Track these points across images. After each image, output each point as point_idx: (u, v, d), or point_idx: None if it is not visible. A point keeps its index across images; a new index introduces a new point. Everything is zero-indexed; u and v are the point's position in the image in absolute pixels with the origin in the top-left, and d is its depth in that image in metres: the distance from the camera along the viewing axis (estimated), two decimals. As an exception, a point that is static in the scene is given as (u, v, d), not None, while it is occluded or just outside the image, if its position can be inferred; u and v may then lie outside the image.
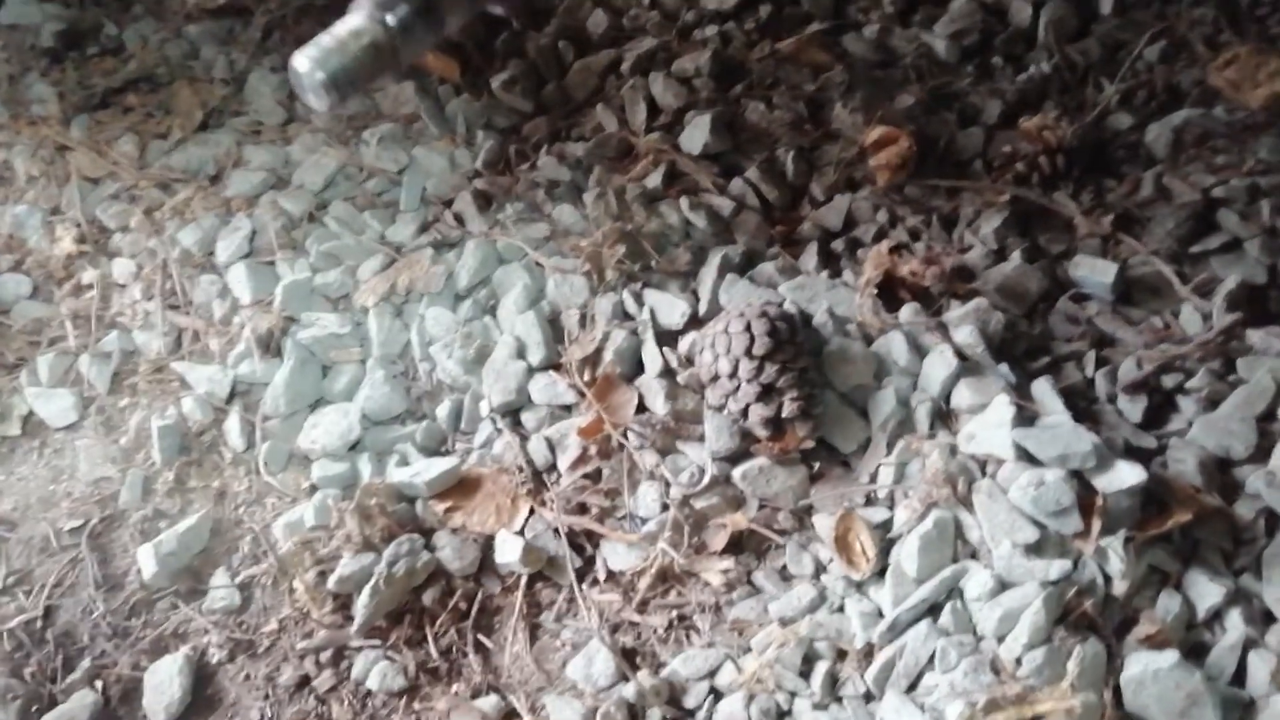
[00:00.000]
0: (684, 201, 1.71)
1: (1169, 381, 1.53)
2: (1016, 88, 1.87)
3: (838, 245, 1.69)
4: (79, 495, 1.60)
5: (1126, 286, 1.64)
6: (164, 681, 1.44)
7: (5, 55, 2.09)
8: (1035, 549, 1.34)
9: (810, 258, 1.67)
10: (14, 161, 1.92)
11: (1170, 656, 1.26)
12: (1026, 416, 1.43)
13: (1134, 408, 1.51)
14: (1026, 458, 1.37)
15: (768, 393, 1.44)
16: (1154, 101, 1.86)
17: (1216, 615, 1.34)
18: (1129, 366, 1.54)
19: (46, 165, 1.92)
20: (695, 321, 1.57)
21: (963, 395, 1.46)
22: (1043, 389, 1.47)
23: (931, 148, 1.79)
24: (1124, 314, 1.62)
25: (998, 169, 1.77)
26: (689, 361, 1.54)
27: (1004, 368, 1.49)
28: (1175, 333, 1.59)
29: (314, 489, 1.58)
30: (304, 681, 1.45)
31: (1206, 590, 1.35)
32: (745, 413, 1.46)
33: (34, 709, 1.41)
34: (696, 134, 1.78)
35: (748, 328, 1.44)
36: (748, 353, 1.44)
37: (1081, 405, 1.50)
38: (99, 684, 1.45)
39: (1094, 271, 1.64)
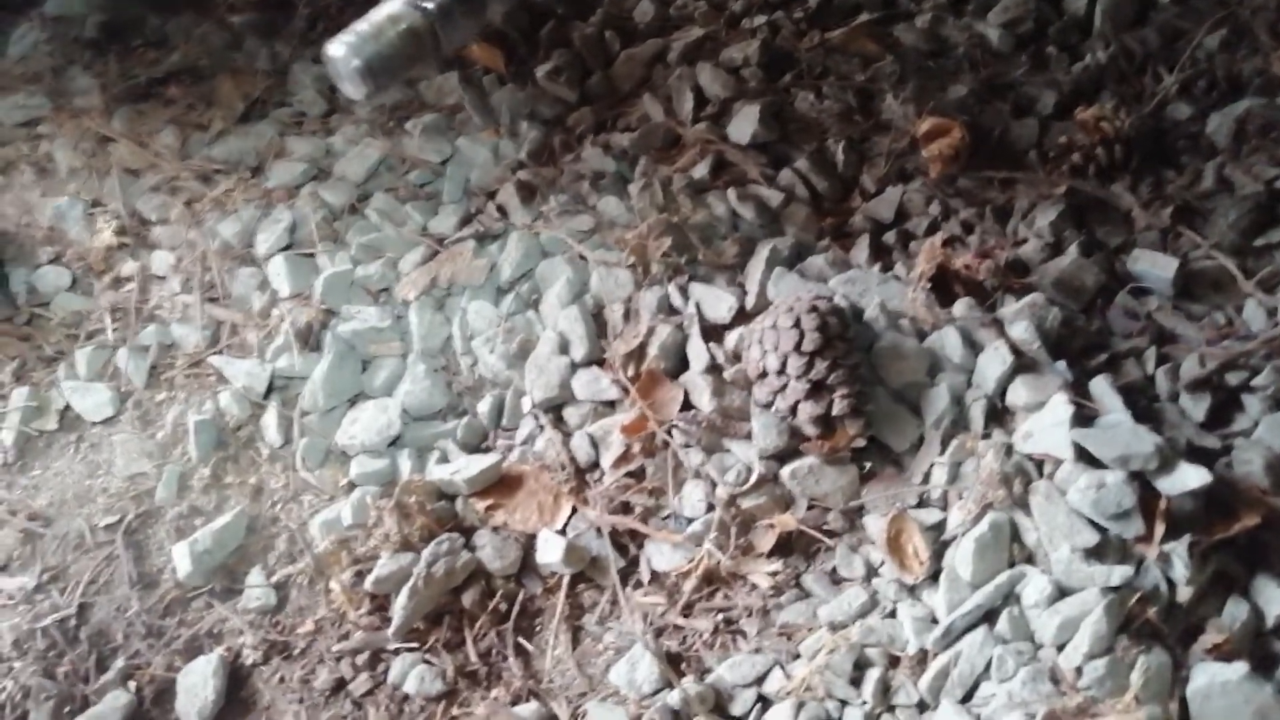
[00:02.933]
0: (731, 193, 1.67)
1: (1233, 379, 1.48)
2: (1072, 77, 1.82)
3: (889, 238, 1.65)
4: (115, 491, 1.58)
5: (1187, 281, 1.59)
6: (198, 683, 1.41)
7: (49, 48, 2.08)
8: (1095, 553, 1.29)
9: (861, 251, 1.62)
10: (56, 154, 1.90)
11: (1239, 668, 1.21)
12: (1085, 415, 1.38)
13: (1197, 406, 1.46)
14: (1086, 458, 1.32)
15: (817, 390, 1.40)
16: (1215, 91, 1.81)
17: (1286, 625, 1.29)
18: (1191, 364, 1.49)
19: (88, 157, 1.90)
20: (742, 316, 1.53)
21: (1019, 393, 1.41)
22: (1101, 387, 1.42)
23: (985, 139, 1.74)
24: (1185, 309, 1.57)
25: (1053, 160, 1.72)
26: (736, 357, 1.50)
27: (1061, 365, 1.44)
28: (1239, 329, 1.54)
29: (352, 486, 1.55)
30: (340, 685, 1.42)
31: (1275, 597, 1.30)
32: (794, 410, 1.42)
33: (66, 710, 1.39)
34: (744, 124, 1.74)
35: (797, 323, 1.40)
36: (797, 348, 1.39)
37: (1142, 404, 1.45)
38: (132, 685, 1.42)
39: (1154, 265, 1.59)
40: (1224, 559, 1.32)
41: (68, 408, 1.65)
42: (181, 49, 2.07)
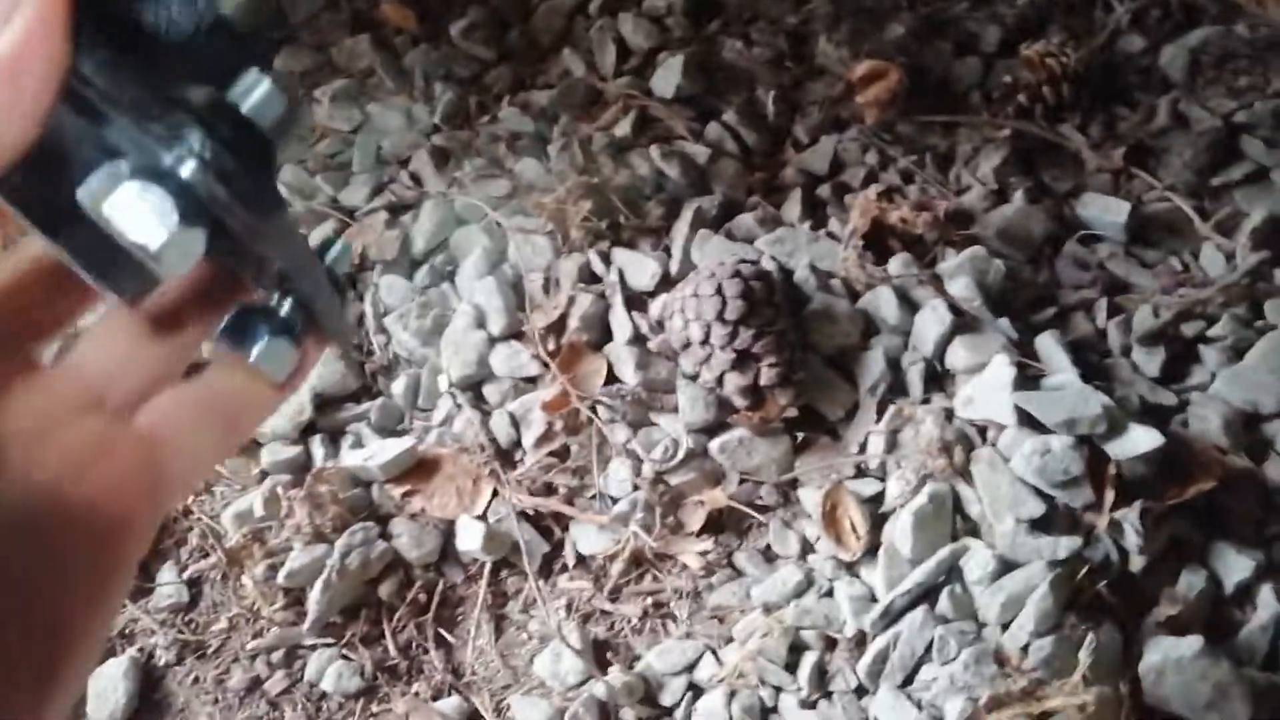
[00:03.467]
0: (655, 150, 1.56)
1: (1189, 330, 1.40)
2: (1017, 11, 1.71)
3: (823, 191, 1.55)
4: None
5: (1141, 226, 1.50)
6: (109, 686, 1.34)
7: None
8: (1042, 524, 1.21)
9: (794, 207, 1.52)
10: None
11: (1194, 643, 1.14)
12: (1030, 377, 1.29)
13: (1151, 361, 1.38)
14: (1030, 423, 1.24)
15: (743, 359, 1.31)
16: (1169, 21, 1.70)
17: (1246, 591, 1.22)
18: (1145, 315, 1.40)
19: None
20: (667, 282, 1.44)
21: (958, 354, 1.32)
22: (1048, 344, 1.34)
23: (924, 81, 1.64)
24: (1139, 256, 1.49)
25: (998, 101, 1.61)
26: (660, 326, 1.41)
27: (1004, 322, 1.35)
28: (1196, 275, 1.45)
29: (264, 475, 1.47)
30: (255, 684, 1.35)
31: (1234, 564, 1.22)
32: (720, 381, 1.33)
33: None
34: (669, 76, 1.63)
35: (719, 290, 1.31)
36: (720, 317, 1.31)
37: (1092, 360, 1.37)
38: (39, 692, 1.35)
39: (1105, 210, 1.49)
40: (1179, 525, 1.24)
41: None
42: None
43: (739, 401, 1.34)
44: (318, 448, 1.47)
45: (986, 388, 1.28)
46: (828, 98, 1.62)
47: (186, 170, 0.34)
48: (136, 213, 0.34)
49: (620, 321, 1.42)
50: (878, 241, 1.43)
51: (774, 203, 1.53)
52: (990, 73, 1.66)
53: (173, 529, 1.46)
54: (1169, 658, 1.14)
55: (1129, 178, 1.54)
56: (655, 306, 1.42)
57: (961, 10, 1.73)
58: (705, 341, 1.32)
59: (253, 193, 0.36)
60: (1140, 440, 1.22)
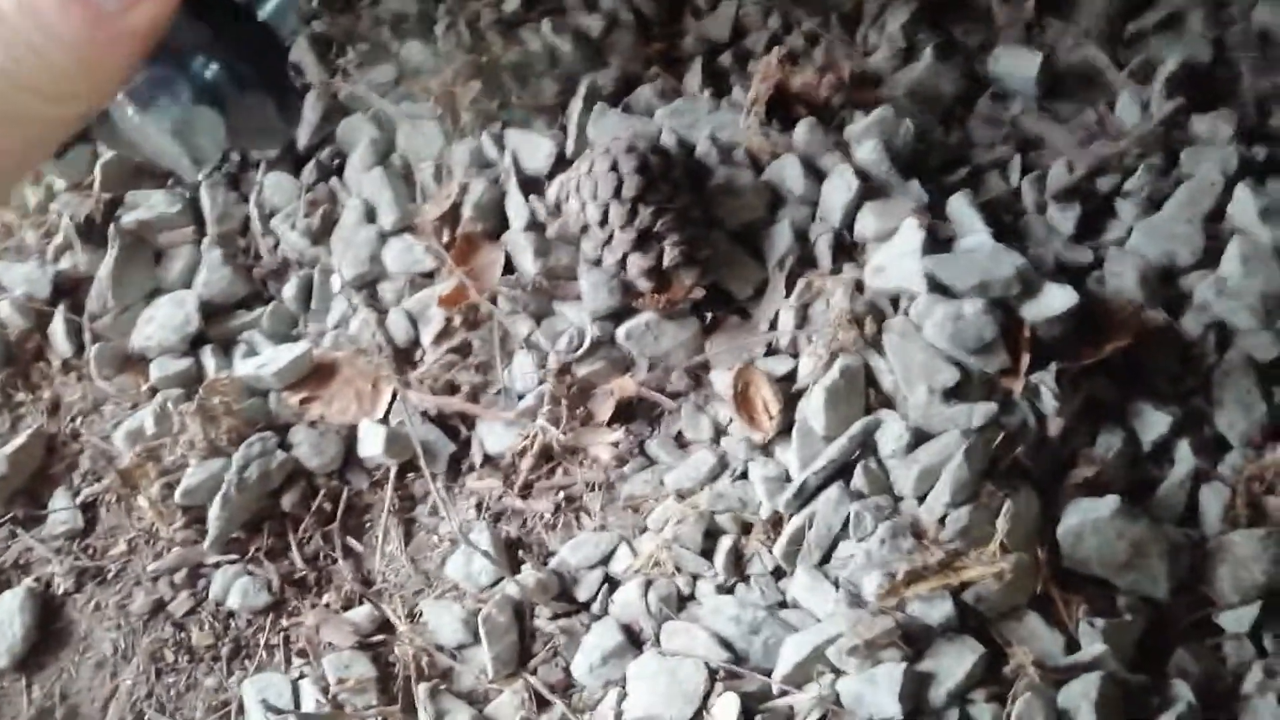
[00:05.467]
0: (546, 24, 1.48)
1: (1105, 184, 1.35)
2: None
3: (725, 60, 1.47)
4: (-105, 420, 1.42)
5: (1054, 79, 1.44)
6: (5, 619, 1.29)
7: None
8: (956, 392, 1.17)
9: (694, 78, 1.45)
10: None
11: (1110, 503, 1.11)
12: (941, 240, 1.24)
13: (1065, 217, 1.33)
14: (941, 289, 1.19)
15: (645, 240, 1.25)
16: None
17: (1163, 447, 1.20)
18: (1059, 170, 1.36)
19: None
20: (563, 163, 1.37)
21: (867, 222, 1.27)
22: (960, 206, 1.29)
23: (827, -65, 1.56)
24: (1052, 111, 1.43)
25: (904, -46, 1.54)
26: (558, 210, 1.34)
27: (914, 185, 1.29)
28: (1110, 127, 1.40)
29: (154, 391, 1.40)
30: (159, 606, 1.30)
31: (1152, 420, 1.20)
32: (623, 264, 1.27)
33: None
34: (557, -55, 1.55)
35: (614, 166, 1.24)
36: (617, 196, 1.24)
37: (1006, 220, 1.32)
38: (-69, 630, 1.29)
39: (1016, 64, 1.44)
40: (1096, 384, 1.21)
41: None
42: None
43: (643, 284, 1.28)
44: (209, 359, 1.41)
45: (896, 254, 1.23)
46: (726, -41, 1.54)
47: None
48: None
49: (516, 207, 1.35)
50: (782, 109, 1.36)
51: (674, 74, 1.46)
52: (895, -76, 1.58)
53: (62, 452, 1.40)
54: (1086, 519, 1.11)
55: (1041, 29, 1.48)
56: (552, 189, 1.36)
57: None
58: (604, 223, 1.26)
59: None
60: (1055, 300, 1.18)
